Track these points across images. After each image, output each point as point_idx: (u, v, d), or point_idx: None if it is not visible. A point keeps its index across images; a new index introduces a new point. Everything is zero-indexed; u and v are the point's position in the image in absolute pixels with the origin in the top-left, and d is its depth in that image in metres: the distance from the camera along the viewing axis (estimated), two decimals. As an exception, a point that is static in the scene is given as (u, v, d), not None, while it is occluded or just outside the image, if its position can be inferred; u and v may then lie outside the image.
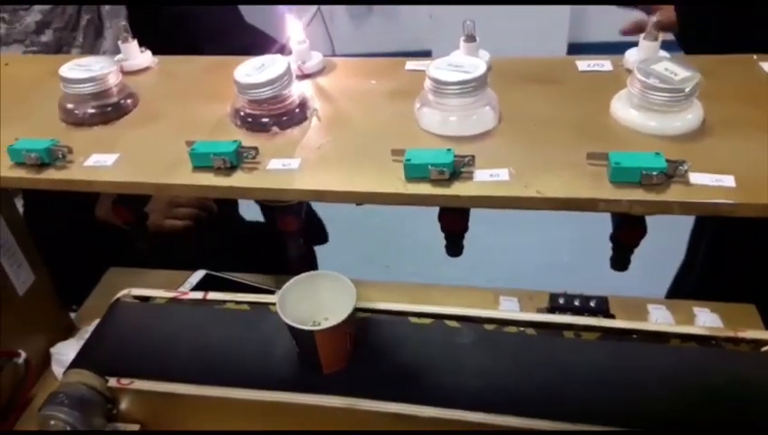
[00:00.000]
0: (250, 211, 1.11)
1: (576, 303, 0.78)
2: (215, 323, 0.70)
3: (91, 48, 0.89)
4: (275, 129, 0.47)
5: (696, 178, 0.39)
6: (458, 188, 0.41)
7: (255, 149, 0.43)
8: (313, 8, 2.57)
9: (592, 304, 0.77)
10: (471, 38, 0.52)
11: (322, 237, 1.26)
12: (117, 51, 0.58)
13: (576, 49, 2.33)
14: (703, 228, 1.01)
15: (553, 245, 1.78)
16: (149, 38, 0.60)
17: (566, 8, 2.33)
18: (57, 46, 0.86)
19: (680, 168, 0.39)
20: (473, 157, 0.41)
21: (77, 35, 0.87)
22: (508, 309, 0.81)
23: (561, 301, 0.78)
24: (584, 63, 0.52)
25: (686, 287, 1.12)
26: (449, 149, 0.42)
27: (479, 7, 2.35)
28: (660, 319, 0.76)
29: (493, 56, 0.53)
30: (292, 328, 0.60)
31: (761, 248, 0.71)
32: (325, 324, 0.61)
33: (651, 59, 0.45)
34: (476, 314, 0.68)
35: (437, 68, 0.45)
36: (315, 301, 0.65)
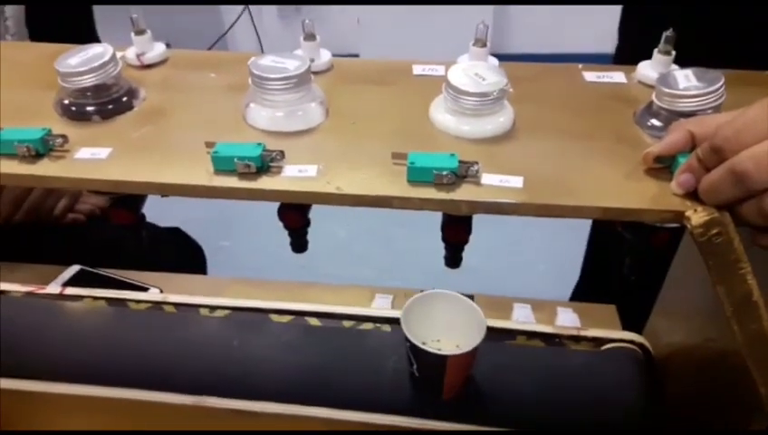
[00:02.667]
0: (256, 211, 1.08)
1: (443, 301, 0.80)
2: (71, 319, 0.69)
3: None
4: (97, 118, 0.47)
5: (487, 178, 0.41)
6: (265, 183, 0.41)
7: (64, 136, 0.43)
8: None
9: (457, 302, 0.79)
10: (311, 36, 0.53)
11: None
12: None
13: (498, 59, 2.39)
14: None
15: (465, 247, 1.83)
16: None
17: (489, 19, 2.38)
18: None
19: (471, 168, 0.40)
20: (281, 152, 0.42)
21: None
22: (380, 306, 0.82)
23: (430, 299, 0.80)
24: (419, 68, 0.54)
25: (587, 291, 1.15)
26: (259, 144, 0.42)
27: (405, 14, 2.38)
28: (522, 318, 0.78)
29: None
30: (419, 350, 0.56)
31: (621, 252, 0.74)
32: (442, 347, 0.58)
33: (469, 65, 0.47)
34: (337, 311, 0.69)
35: (261, 64, 0.46)
36: (429, 321, 0.61)
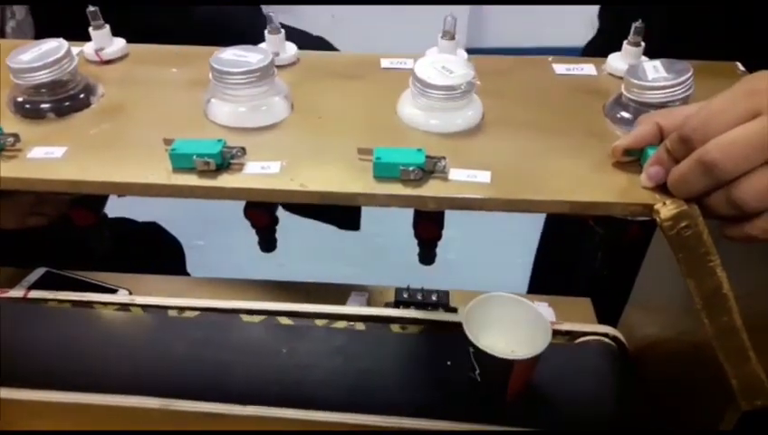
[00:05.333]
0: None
1: (419, 297, 0.79)
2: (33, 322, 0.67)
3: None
4: (52, 115, 0.45)
5: (455, 173, 0.40)
6: (225, 180, 0.40)
7: (15, 135, 0.41)
8: None
9: (434, 297, 0.79)
10: (275, 30, 0.52)
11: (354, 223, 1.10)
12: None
13: (473, 54, 2.39)
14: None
15: (442, 242, 1.83)
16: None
17: (464, 13, 2.38)
18: None
19: (439, 163, 0.39)
20: (242, 148, 0.41)
21: None
22: (356, 305, 0.81)
23: (405, 295, 0.80)
24: (387, 61, 0.53)
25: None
26: (219, 140, 0.41)
27: (380, 9, 2.37)
28: (497, 313, 0.78)
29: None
30: (484, 355, 0.54)
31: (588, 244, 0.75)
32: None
33: (436, 58, 0.46)
34: (308, 310, 0.68)
35: (222, 58, 0.45)
36: (483, 322, 0.59)
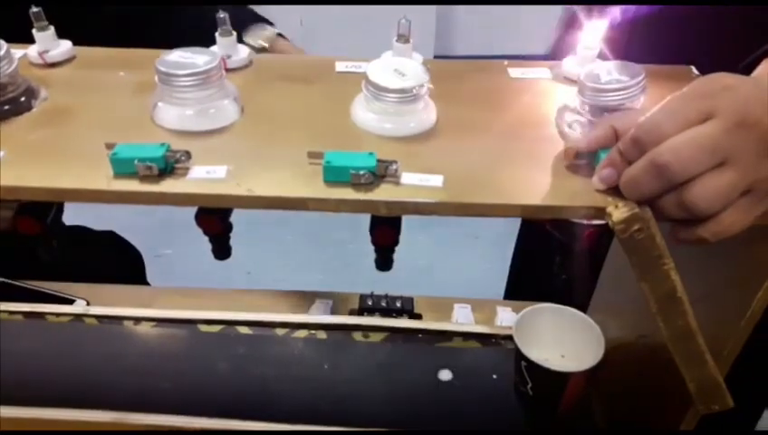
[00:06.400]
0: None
1: (383, 303, 0.78)
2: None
3: None
4: (-11, 120, 0.43)
5: (407, 177, 0.39)
6: (168, 186, 0.38)
7: (-53, 140, 0.39)
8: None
9: (398, 304, 0.78)
10: (227, 32, 0.50)
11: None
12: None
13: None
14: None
15: (413, 248, 1.82)
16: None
17: (432, 21, 2.39)
18: None
19: (390, 167, 0.39)
20: (187, 152, 0.39)
21: None
22: (319, 312, 0.80)
23: (369, 302, 0.79)
24: (342, 65, 0.52)
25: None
26: (163, 144, 0.39)
27: (350, 15, 2.36)
28: (461, 318, 0.77)
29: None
30: (538, 369, 0.53)
31: (551, 250, 0.74)
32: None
33: (390, 61, 0.45)
34: (267, 319, 0.67)
35: (168, 60, 0.43)
36: (531, 334, 0.57)
